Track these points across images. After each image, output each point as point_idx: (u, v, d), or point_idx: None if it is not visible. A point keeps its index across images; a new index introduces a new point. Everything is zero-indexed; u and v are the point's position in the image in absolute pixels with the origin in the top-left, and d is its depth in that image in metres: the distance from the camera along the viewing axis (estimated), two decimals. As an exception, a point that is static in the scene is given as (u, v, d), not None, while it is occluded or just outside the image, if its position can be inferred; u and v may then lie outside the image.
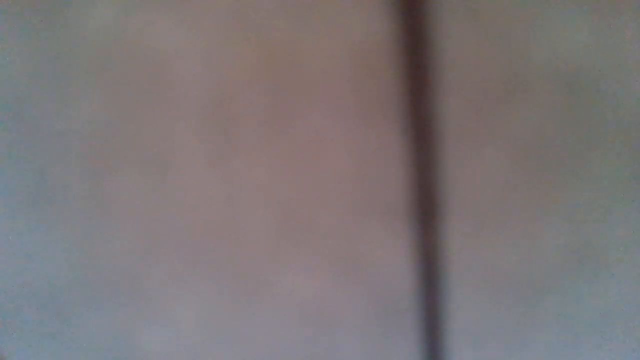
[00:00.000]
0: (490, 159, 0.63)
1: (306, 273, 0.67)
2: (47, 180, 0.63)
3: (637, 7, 0.58)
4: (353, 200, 0.64)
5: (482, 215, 0.65)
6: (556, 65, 0.60)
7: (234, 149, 0.62)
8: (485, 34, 0.59)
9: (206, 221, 0.65)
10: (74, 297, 0.67)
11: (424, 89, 0.60)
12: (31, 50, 0.59)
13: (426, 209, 0.64)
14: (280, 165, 0.63)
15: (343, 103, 0.61)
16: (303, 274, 0.67)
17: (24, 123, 0.61)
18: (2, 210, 0.64)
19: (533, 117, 0.62)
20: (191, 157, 0.62)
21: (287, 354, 0.71)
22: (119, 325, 0.68)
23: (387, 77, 0.60)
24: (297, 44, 0.59)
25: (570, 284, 0.68)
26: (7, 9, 0.58)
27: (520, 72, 0.60)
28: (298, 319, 0.69)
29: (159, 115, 0.61)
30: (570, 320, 0.70)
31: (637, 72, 0.60)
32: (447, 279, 0.68)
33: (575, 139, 0.63)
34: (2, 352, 0.69)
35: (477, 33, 0.59)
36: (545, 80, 0.60)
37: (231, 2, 0.58)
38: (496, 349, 0.71)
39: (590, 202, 0.65)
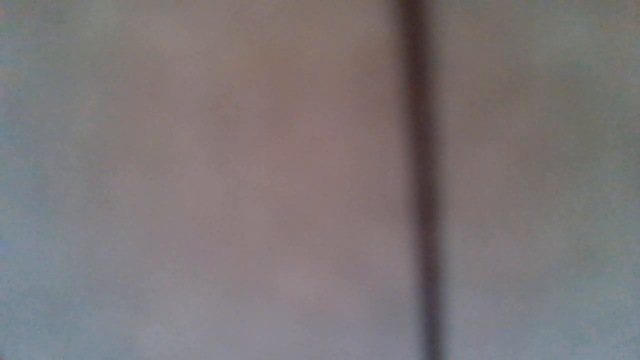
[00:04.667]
0: (490, 159, 0.63)
1: (306, 273, 0.67)
2: (47, 180, 0.63)
3: (637, 7, 0.58)
4: (353, 200, 0.64)
5: (482, 215, 0.65)
6: (556, 65, 0.60)
7: (234, 149, 0.62)
8: (485, 34, 0.59)
9: (206, 221, 0.65)
10: (74, 297, 0.67)
11: (424, 89, 0.60)
12: (31, 50, 0.59)
13: (426, 209, 0.64)
14: (280, 165, 0.63)
15: (343, 103, 0.61)
16: (303, 274, 0.67)
17: (24, 123, 0.61)
18: (2, 210, 0.64)
19: (533, 117, 0.62)
20: (191, 157, 0.62)
21: (287, 354, 0.71)
22: (119, 325, 0.68)
23: (387, 77, 0.60)
24: (297, 44, 0.59)
25: (570, 284, 0.68)
26: (7, 10, 0.58)
27: (520, 72, 0.60)
28: (298, 319, 0.69)
29: (159, 115, 0.61)
30: (571, 320, 0.70)
31: (637, 72, 0.60)
32: (447, 279, 0.68)
33: (575, 138, 0.63)
34: (2, 352, 0.69)
35: (477, 33, 0.59)
36: (545, 80, 0.60)
37: (231, 3, 0.58)
38: (496, 349, 0.71)
39: (590, 202, 0.65)
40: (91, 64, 0.59)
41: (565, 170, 0.64)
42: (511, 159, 0.63)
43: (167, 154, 0.62)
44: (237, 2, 0.58)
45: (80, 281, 0.67)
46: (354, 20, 0.58)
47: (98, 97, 0.60)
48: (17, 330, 0.68)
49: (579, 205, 0.65)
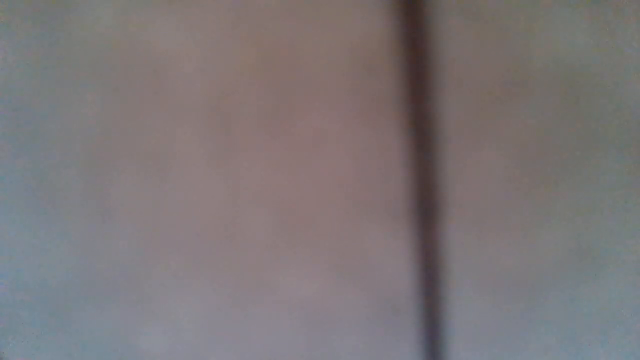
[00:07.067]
0: (490, 159, 0.63)
1: (306, 273, 0.67)
2: (47, 180, 0.63)
3: (637, 7, 0.58)
4: (353, 200, 0.64)
5: (482, 215, 0.65)
6: (556, 65, 0.60)
7: (234, 148, 0.62)
8: (485, 34, 0.59)
9: (206, 221, 0.65)
10: (74, 297, 0.67)
11: (424, 89, 0.60)
12: (32, 50, 0.59)
13: (426, 209, 0.64)
14: (280, 165, 0.63)
15: (343, 103, 0.61)
16: (303, 274, 0.67)
17: (24, 123, 0.61)
18: (2, 210, 0.64)
19: (533, 117, 0.62)
20: (191, 157, 0.62)
21: (287, 354, 0.71)
22: (119, 325, 0.68)
23: (387, 77, 0.60)
24: (297, 44, 0.59)
25: (570, 284, 0.68)
26: (7, 10, 0.58)
27: (520, 72, 0.60)
28: (298, 319, 0.69)
29: (159, 115, 0.61)
30: (570, 320, 0.70)
31: (637, 72, 0.60)
32: (447, 279, 0.67)
33: (575, 138, 0.63)
34: (2, 352, 0.69)
35: (477, 33, 0.59)
36: (545, 80, 0.60)
37: (231, 3, 0.58)
38: (496, 349, 0.71)
39: (590, 202, 0.65)
40: (91, 64, 0.59)
41: (565, 170, 0.64)
42: (511, 159, 0.63)
43: (167, 154, 0.62)
44: (237, 2, 0.58)
45: (80, 281, 0.67)
46: (354, 20, 0.58)
47: (98, 97, 0.60)
48: (17, 330, 0.68)
49: (578, 205, 0.65)
